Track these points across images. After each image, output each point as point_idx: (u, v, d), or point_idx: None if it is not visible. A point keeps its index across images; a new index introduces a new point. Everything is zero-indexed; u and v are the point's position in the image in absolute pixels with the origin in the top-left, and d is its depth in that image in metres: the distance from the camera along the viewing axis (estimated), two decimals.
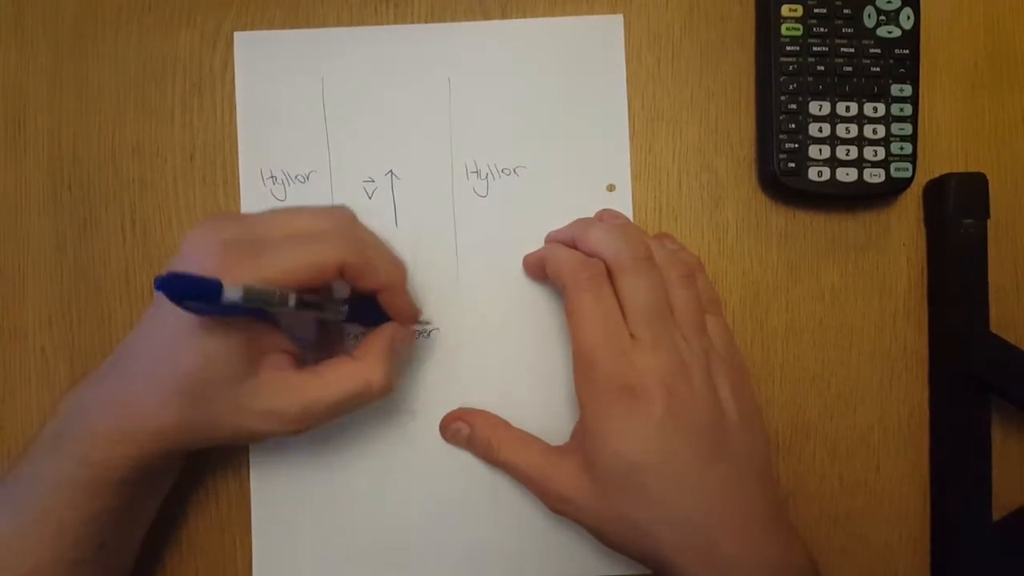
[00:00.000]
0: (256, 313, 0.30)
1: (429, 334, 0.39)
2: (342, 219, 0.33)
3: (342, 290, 0.34)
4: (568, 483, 0.34)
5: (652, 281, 0.34)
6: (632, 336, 0.33)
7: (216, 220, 0.32)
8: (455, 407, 0.39)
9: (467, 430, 0.38)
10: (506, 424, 0.38)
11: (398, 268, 0.35)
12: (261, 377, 0.32)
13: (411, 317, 0.36)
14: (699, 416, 0.33)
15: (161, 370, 0.31)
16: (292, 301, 0.30)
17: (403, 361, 0.36)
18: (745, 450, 0.34)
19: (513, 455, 0.37)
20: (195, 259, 0.30)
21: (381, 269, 0.33)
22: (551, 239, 0.39)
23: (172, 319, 0.30)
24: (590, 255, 0.35)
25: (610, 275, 0.34)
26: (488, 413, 0.39)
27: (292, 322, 0.34)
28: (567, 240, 0.37)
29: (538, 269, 0.38)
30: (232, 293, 0.27)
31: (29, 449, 0.32)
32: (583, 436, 0.34)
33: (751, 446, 0.34)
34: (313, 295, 0.32)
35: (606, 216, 0.39)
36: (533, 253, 0.39)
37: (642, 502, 0.32)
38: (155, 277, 0.26)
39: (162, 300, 0.30)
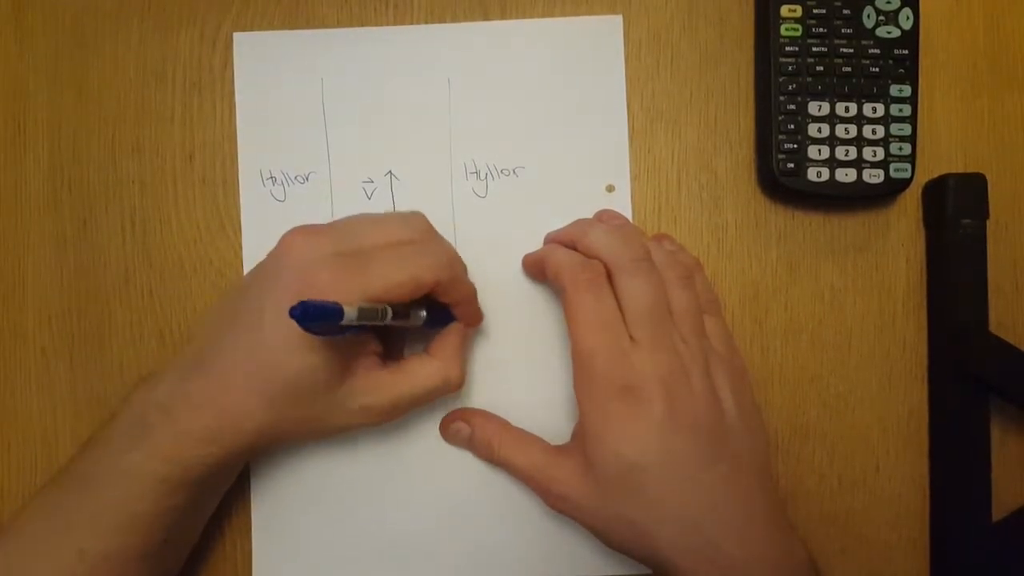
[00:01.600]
0: (359, 330, 0.31)
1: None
2: (424, 228, 0.35)
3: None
4: (568, 483, 0.35)
5: (651, 283, 0.34)
6: (631, 337, 0.33)
7: (312, 231, 0.33)
8: (454, 407, 0.39)
9: (467, 430, 0.38)
10: (506, 423, 0.38)
11: (469, 281, 0.37)
12: (356, 379, 0.33)
13: (478, 322, 0.38)
14: (698, 417, 0.33)
15: (261, 375, 0.31)
16: (389, 316, 0.32)
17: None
18: (745, 450, 0.34)
19: (514, 454, 0.37)
20: (303, 271, 0.31)
21: (465, 283, 0.36)
22: (550, 239, 0.39)
23: (276, 326, 0.31)
24: (589, 256, 0.35)
25: (609, 276, 0.34)
26: (488, 413, 0.39)
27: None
28: (566, 241, 0.37)
29: (537, 269, 0.38)
30: (349, 315, 0.29)
31: (104, 434, 0.33)
32: (583, 436, 0.34)
33: (751, 446, 0.34)
34: (403, 306, 0.33)
35: (605, 216, 0.39)
36: (532, 253, 0.39)
37: (642, 502, 0.32)
38: (290, 308, 0.27)
39: (254, 304, 0.32)
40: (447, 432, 0.39)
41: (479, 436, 0.38)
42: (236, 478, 0.37)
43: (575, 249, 0.36)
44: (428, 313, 0.35)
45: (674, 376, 0.33)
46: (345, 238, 0.33)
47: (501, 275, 0.39)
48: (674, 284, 0.35)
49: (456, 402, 0.39)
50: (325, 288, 0.30)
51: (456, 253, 0.36)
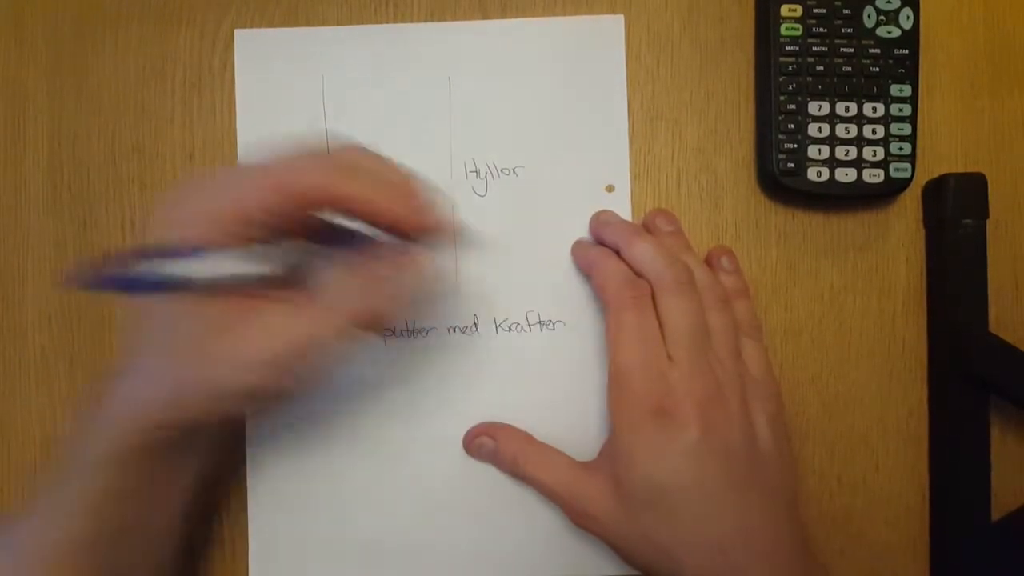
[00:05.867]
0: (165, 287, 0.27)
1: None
2: (324, 147, 0.31)
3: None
4: (595, 501, 0.34)
5: (693, 304, 0.34)
6: (670, 358, 0.33)
7: (187, 182, 0.30)
8: (452, 408, 0.39)
9: (491, 444, 0.38)
10: (531, 438, 0.38)
11: (390, 174, 0.30)
12: (234, 328, 0.29)
13: (418, 228, 0.30)
14: (732, 442, 0.33)
15: (155, 338, 0.31)
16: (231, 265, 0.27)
17: (408, 287, 0.30)
18: (776, 478, 0.34)
19: (539, 471, 0.37)
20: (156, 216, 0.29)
21: (368, 183, 0.29)
22: (599, 229, 0.38)
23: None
24: (633, 268, 0.35)
25: (652, 294, 0.35)
26: (512, 428, 0.38)
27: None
28: (612, 242, 0.37)
29: (583, 266, 0.38)
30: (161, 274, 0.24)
31: (68, 437, 0.33)
32: (613, 455, 0.34)
33: (781, 474, 0.34)
34: (265, 233, 0.28)
35: (659, 221, 0.38)
36: (584, 249, 0.38)
37: (669, 525, 0.32)
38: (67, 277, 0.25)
39: None
40: (471, 447, 0.38)
41: (504, 451, 0.37)
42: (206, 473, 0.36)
43: (619, 253, 0.36)
44: (331, 236, 0.29)
45: (711, 399, 0.33)
46: (220, 173, 0.30)
47: (500, 274, 0.39)
48: (711, 307, 0.35)
49: (453, 404, 0.39)
50: (178, 220, 0.27)
51: (375, 160, 0.30)
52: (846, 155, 0.38)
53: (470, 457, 0.39)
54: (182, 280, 0.24)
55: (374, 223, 0.30)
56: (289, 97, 0.40)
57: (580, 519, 0.35)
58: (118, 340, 0.36)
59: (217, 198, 0.27)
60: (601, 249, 0.38)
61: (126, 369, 0.32)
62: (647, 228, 0.39)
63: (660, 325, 0.34)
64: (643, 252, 0.35)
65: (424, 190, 0.30)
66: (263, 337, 0.29)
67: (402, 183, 0.30)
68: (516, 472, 0.37)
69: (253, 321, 0.29)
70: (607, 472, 0.34)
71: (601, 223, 0.38)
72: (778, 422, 0.35)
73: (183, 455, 0.35)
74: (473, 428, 0.39)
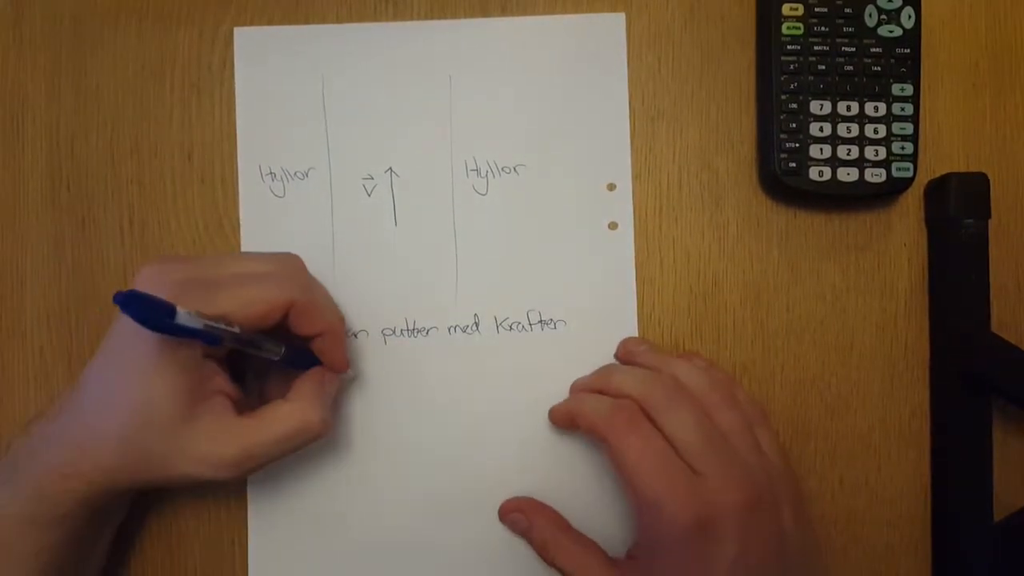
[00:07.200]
0: (206, 340, 0.30)
1: (353, 380, 0.39)
2: (290, 263, 0.35)
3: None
4: None
5: (695, 411, 0.33)
6: (694, 471, 0.32)
7: (166, 261, 0.33)
8: (450, 407, 0.39)
9: (525, 523, 0.37)
10: (566, 526, 0.37)
11: (339, 316, 0.36)
12: (201, 421, 0.32)
13: (343, 366, 0.36)
14: (768, 549, 0.32)
15: (108, 408, 0.32)
16: (238, 331, 0.31)
17: (332, 404, 0.36)
18: (804, 571, 0.33)
19: (569, 563, 0.36)
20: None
21: (326, 312, 0.35)
22: (576, 389, 0.38)
23: (126, 354, 0.31)
24: (619, 398, 0.34)
25: (649, 417, 0.33)
26: (549, 510, 0.38)
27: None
28: (594, 389, 0.36)
29: (568, 422, 0.37)
30: (184, 317, 0.29)
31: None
32: (650, 569, 0.33)
33: (810, 565, 0.34)
34: (255, 333, 0.33)
35: (629, 345, 0.38)
36: (560, 405, 0.38)
37: None
38: (115, 293, 0.27)
39: (117, 332, 0.32)
40: (505, 520, 0.38)
41: (537, 536, 0.37)
42: (126, 514, 0.37)
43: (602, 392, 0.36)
44: (288, 352, 0.34)
45: (748, 508, 0.31)
46: (199, 268, 0.33)
47: (500, 273, 0.39)
48: (720, 406, 0.34)
49: (452, 403, 0.39)
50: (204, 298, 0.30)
51: (322, 287, 0.36)
52: (848, 154, 0.38)
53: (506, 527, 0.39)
54: (190, 328, 0.29)
55: (309, 335, 0.35)
56: (289, 96, 0.40)
57: None
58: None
59: (215, 305, 0.31)
60: (574, 396, 0.38)
61: (77, 423, 0.32)
62: (624, 359, 0.38)
63: (671, 443, 0.32)
64: (623, 379, 0.35)
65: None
66: (228, 439, 0.32)
67: (338, 311, 0.37)
68: (545, 558, 0.37)
69: (223, 420, 0.33)
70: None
71: (581, 386, 0.38)
72: (801, 512, 0.34)
73: (119, 508, 0.36)
74: (510, 502, 0.38)
